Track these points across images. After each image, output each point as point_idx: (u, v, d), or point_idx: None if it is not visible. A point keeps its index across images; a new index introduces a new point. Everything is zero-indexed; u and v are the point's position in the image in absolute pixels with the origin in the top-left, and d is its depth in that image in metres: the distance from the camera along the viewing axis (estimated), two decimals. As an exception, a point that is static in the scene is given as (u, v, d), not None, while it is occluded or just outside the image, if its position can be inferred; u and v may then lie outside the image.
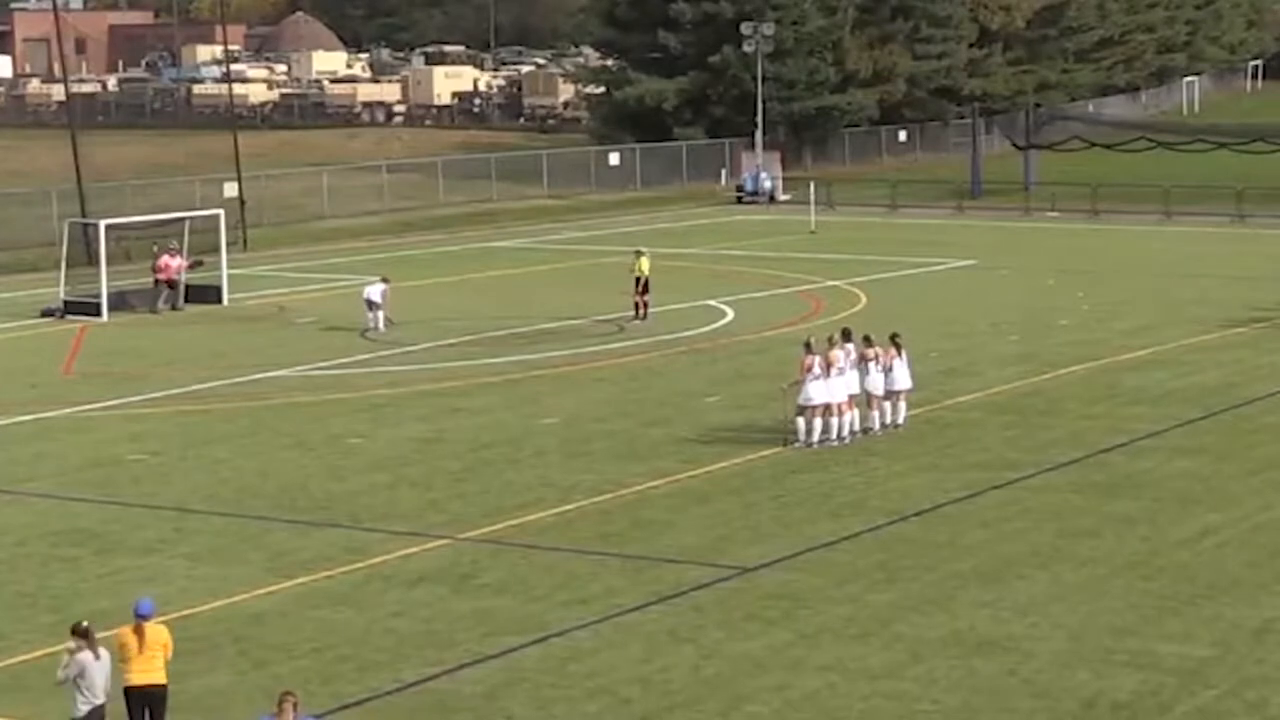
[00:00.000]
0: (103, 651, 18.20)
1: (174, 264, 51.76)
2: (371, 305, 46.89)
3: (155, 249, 52.27)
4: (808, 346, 33.12)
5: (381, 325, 46.57)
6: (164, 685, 18.63)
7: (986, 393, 38.20)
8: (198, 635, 22.39)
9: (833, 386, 32.89)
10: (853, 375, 33.46)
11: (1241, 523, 28.00)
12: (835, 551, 26.55)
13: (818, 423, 32.93)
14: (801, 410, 32.93)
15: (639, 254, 49.02)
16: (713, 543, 27.05)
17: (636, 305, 48.10)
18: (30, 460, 33.17)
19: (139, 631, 18.62)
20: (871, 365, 33.73)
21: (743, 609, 23.73)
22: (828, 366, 32.79)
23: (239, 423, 36.09)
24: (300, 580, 25.29)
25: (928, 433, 34.31)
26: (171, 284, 51.66)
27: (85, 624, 18.35)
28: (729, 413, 36.22)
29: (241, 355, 44.09)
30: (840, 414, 33.12)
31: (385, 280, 47.76)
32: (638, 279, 48.25)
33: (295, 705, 16.92)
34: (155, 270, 51.79)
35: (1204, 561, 25.95)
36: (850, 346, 33.70)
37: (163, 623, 19.27)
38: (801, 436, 32.87)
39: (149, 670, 18.52)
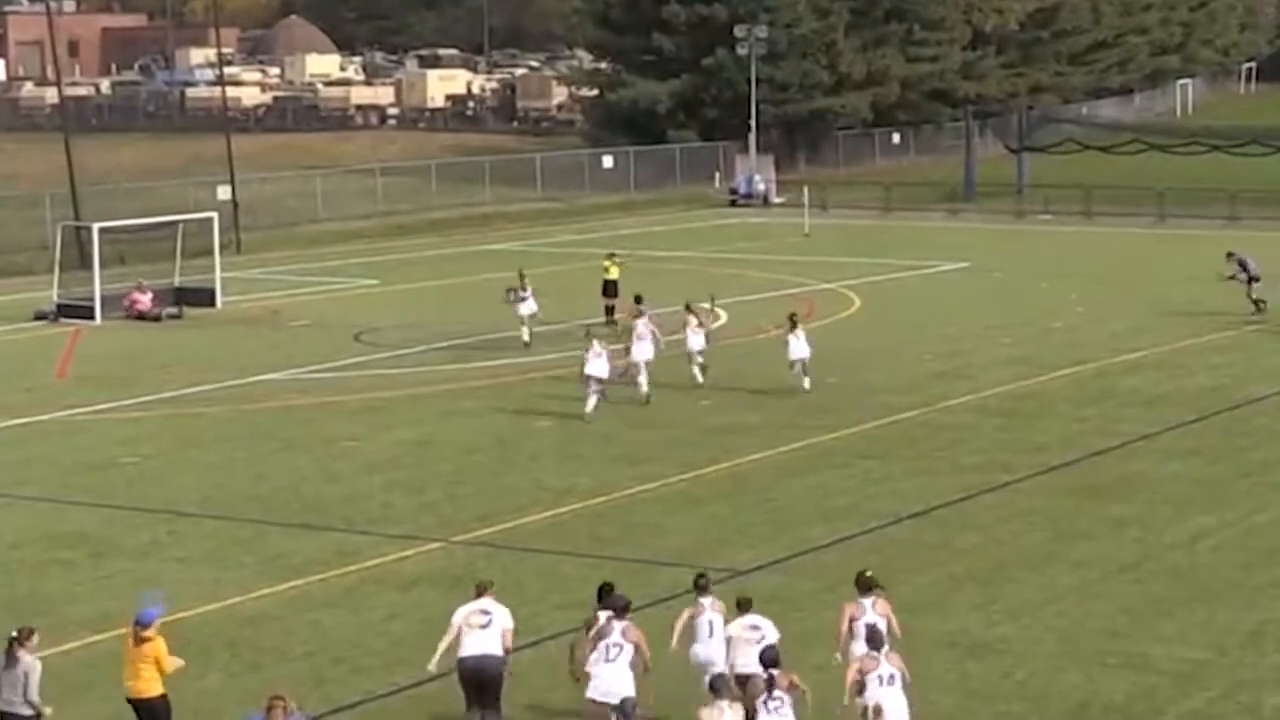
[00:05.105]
0: (24, 658, 17.99)
1: (144, 299, 51.21)
2: (531, 318, 44.93)
3: (140, 283, 51.72)
4: (688, 307, 38.68)
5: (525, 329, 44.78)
6: (155, 697, 18.54)
7: (979, 395, 38.20)
8: (191, 638, 22.32)
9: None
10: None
11: (1235, 525, 28.02)
12: (828, 554, 26.56)
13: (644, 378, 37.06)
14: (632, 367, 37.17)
15: (611, 256, 49.02)
16: (705, 546, 27.04)
17: (608, 310, 47.88)
18: (24, 463, 33.15)
19: (136, 639, 18.56)
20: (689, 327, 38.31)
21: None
22: (700, 325, 38.41)
23: (232, 426, 36.07)
24: (294, 583, 25.29)
25: (921, 435, 34.31)
26: (141, 317, 50.71)
27: (15, 631, 18.25)
28: (721, 415, 36.21)
29: (235, 358, 44.05)
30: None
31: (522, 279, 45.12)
32: (606, 282, 48.13)
33: (285, 709, 16.85)
34: (127, 299, 51.28)
35: (1197, 564, 25.97)
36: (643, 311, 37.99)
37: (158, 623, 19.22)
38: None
39: (137, 680, 18.49)
